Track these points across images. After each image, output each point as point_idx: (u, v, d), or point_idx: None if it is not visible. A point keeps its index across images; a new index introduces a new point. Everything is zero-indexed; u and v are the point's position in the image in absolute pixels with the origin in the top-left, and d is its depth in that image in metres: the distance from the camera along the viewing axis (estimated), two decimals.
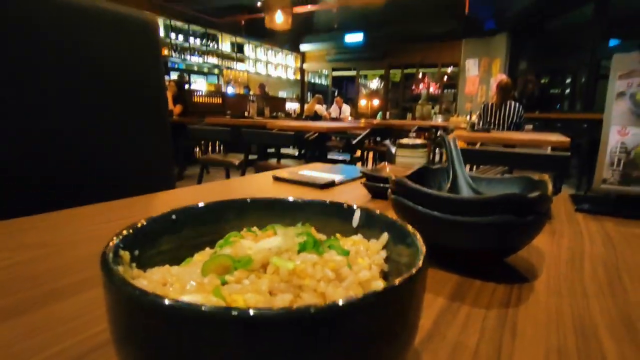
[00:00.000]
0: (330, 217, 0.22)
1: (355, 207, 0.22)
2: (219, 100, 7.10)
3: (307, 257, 0.15)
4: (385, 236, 0.19)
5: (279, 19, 5.99)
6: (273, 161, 3.19)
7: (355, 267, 0.16)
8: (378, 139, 4.91)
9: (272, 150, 4.30)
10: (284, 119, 6.00)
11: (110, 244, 0.15)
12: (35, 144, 0.81)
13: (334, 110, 7.73)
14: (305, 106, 8.31)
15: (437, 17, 8.67)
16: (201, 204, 0.21)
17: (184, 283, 0.14)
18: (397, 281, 0.12)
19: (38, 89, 0.82)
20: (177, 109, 5.09)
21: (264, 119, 5.00)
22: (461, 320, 0.25)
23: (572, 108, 6.73)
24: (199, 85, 9.29)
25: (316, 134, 3.50)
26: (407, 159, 0.65)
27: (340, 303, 0.10)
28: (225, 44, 9.52)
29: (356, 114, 10.56)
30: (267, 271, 0.14)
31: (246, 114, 5.35)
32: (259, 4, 8.97)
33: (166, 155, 1.22)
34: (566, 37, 7.65)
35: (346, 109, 7.80)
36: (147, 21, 1.08)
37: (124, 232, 0.16)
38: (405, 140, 0.66)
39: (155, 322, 0.10)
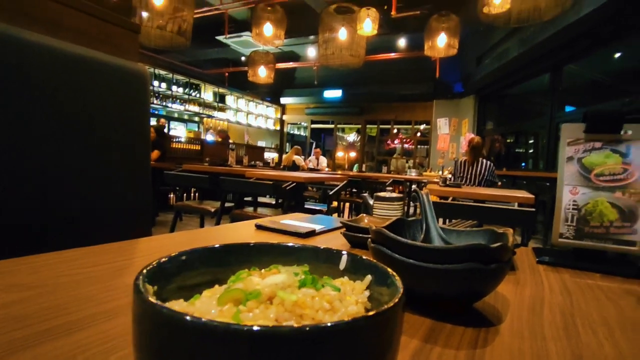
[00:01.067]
0: (321, 260, 0.25)
1: (343, 252, 0.25)
2: (197, 147, 7.14)
3: (306, 291, 0.18)
4: (368, 278, 0.22)
5: (262, 74, 6.26)
6: (250, 209, 3.18)
7: (344, 302, 0.18)
8: (354, 190, 5.02)
9: (249, 198, 4.30)
10: (262, 168, 6.07)
11: (140, 276, 0.17)
12: (17, 186, 0.81)
13: (312, 161, 7.90)
14: (284, 156, 8.46)
15: (410, 79, 9.32)
16: (209, 247, 0.23)
17: (203, 312, 0.16)
18: (378, 310, 0.15)
19: (26, 131, 0.83)
20: (155, 154, 5.08)
21: (242, 167, 5.05)
22: None
23: (536, 167, 7.14)
24: (179, 131, 9.36)
25: (294, 184, 3.54)
26: (383, 211, 0.69)
27: (329, 324, 0.13)
28: (207, 94, 9.78)
29: (333, 165, 10.81)
30: (274, 302, 0.17)
31: (226, 162, 5.40)
32: (243, 58, 9.40)
33: (146, 202, 1.22)
34: (527, 102, 8.33)
35: (323, 160, 7.99)
36: (139, 72, 1.13)
37: (149, 267, 0.19)
38: (382, 194, 0.71)
39: (193, 340, 0.13)
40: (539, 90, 6.93)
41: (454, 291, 0.34)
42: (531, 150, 8.09)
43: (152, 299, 0.14)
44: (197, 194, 5.37)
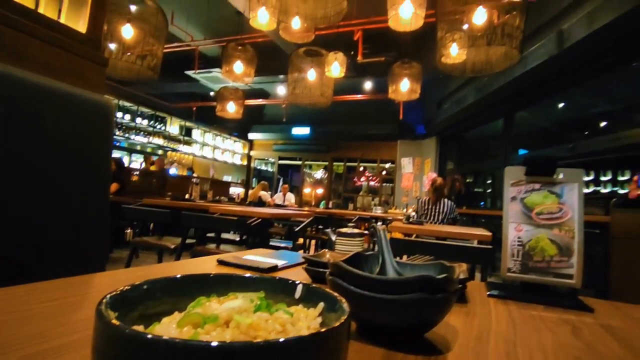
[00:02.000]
0: (277, 290, 0.26)
1: (297, 282, 0.27)
2: (159, 181, 6.95)
3: (261, 315, 0.19)
4: (321, 305, 0.24)
5: (231, 109, 6.31)
6: (212, 246, 3.10)
7: (297, 326, 0.20)
8: (320, 227, 5.02)
9: (211, 234, 4.19)
10: (227, 203, 5.97)
11: (103, 301, 0.18)
12: None
13: (278, 197, 7.87)
14: (250, 192, 8.39)
15: (376, 120, 9.72)
16: (171, 277, 0.24)
17: (164, 335, 0.17)
18: (323, 329, 0.17)
19: None
20: (113, 187, 4.89)
21: (206, 202, 4.95)
22: None
23: (494, 206, 7.48)
24: (140, 164, 9.11)
25: (259, 220, 3.51)
26: (345, 247, 0.71)
27: (280, 339, 0.15)
28: (173, 127, 9.66)
29: (300, 202, 10.81)
30: (230, 325, 0.18)
31: (187, 196, 5.27)
32: (212, 93, 9.47)
33: (102, 236, 1.17)
34: (484, 145, 8.86)
35: (290, 196, 7.98)
36: (104, 105, 1.13)
37: (112, 294, 0.19)
38: (344, 230, 0.73)
39: (155, 357, 0.13)
40: (494, 134, 7.40)
41: (404, 321, 0.35)
42: (489, 190, 8.50)
43: (115, 321, 0.15)
44: (156, 230, 5.14)
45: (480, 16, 3.35)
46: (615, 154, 4.96)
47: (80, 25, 1.11)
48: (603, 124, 6.99)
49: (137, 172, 6.65)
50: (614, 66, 4.42)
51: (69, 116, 1.03)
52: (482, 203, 8.49)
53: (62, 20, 1.09)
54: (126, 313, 0.19)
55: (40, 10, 1.02)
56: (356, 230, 0.71)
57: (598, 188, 7.71)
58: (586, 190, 7.92)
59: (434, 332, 0.40)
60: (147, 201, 4.17)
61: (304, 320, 0.21)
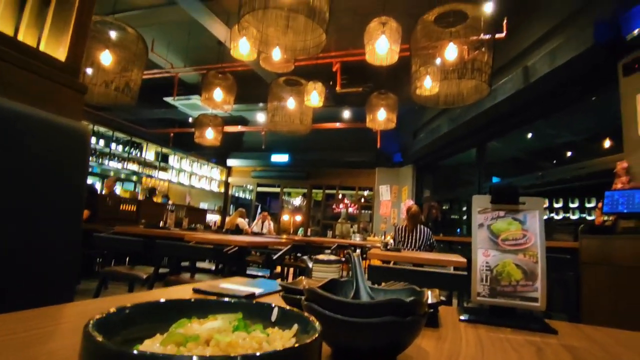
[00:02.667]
0: (254, 313, 0.27)
1: (273, 305, 0.28)
2: (133, 208, 6.76)
3: (239, 334, 0.20)
4: (295, 327, 0.25)
5: (209, 136, 6.30)
6: (186, 275, 3.01)
7: (272, 345, 0.21)
8: (299, 255, 4.97)
9: (186, 263, 4.07)
10: (203, 231, 5.86)
11: (90, 323, 0.18)
12: None
13: (256, 225, 7.77)
14: (227, 219, 8.26)
15: (354, 147, 9.89)
16: (154, 301, 0.25)
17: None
18: (296, 345, 0.18)
19: None
20: (84, 214, 4.71)
21: (181, 230, 4.84)
22: None
23: (469, 232, 7.62)
24: (115, 191, 8.86)
25: (236, 248, 3.45)
26: (322, 274, 0.72)
27: (257, 353, 0.16)
28: (149, 153, 9.51)
29: (278, 229, 10.71)
30: (210, 344, 0.19)
31: (161, 224, 5.14)
32: (190, 119, 9.45)
33: (73, 265, 1.14)
34: (459, 173, 9.13)
35: (269, 224, 7.91)
36: (81, 131, 1.12)
37: (97, 317, 0.20)
38: (321, 257, 0.74)
39: None
40: (468, 162, 7.65)
41: (377, 343, 0.37)
42: (465, 217, 8.69)
43: (103, 340, 0.16)
44: (127, 259, 4.93)
45: (451, 52, 3.53)
46: (582, 182, 5.21)
47: (60, 52, 1.12)
48: (569, 153, 7.36)
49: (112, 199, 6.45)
50: (575, 100, 4.71)
51: (45, 142, 1.03)
52: (458, 230, 8.64)
53: (42, 48, 1.10)
54: (109, 338, 0.20)
55: (20, 37, 1.03)
56: (333, 257, 0.73)
57: (567, 215, 8.02)
58: (557, 217, 8.23)
59: (406, 355, 0.41)
60: (119, 229, 4.04)
61: (279, 340, 0.22)
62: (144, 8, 4.78)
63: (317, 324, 0.23)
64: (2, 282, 0.82)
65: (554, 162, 7.39)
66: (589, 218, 5.79)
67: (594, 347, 0.51)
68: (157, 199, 7.45)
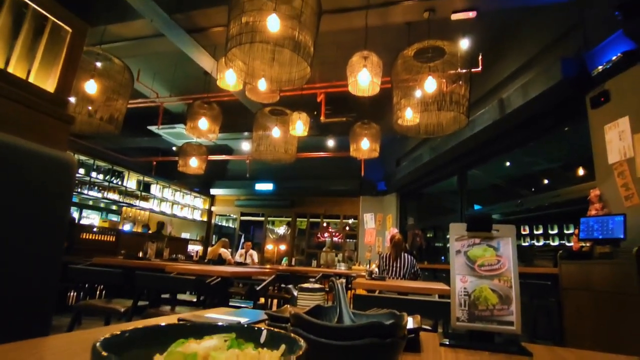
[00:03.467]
0: (245, 335, 0.29)
1: (263, 328, 0.30)
2: (112, 239, 6.59)
3: (233, 351, 0.22)
4: (283, 347, 0.27)
5: (194, 164, 6.28)
6: (167, 308, 2.92)
7: None
8: (283, 285, 4.88)
9: (166, 295, 3.95)
10: (184, 261, 5.73)
11: (97, 343, 0.20)
12: None
13: (240, 255, 7.64)
14: (210, 249, 8.10)
15: (338, 176, 9.99)
16: (153, 325, 0.26)
17: None
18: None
19: None
20: None
21: (162, 260, 4.73)
22: None
23: None
24: (92, 220, 8.64)
25: (219, 279, 3.38)
26: (307, 302, 0.73)
27: None
28: (131, 182, 9.37)
29: (262, 259, 10.53)
30: None
31: (140, 254, 5.02)
32: (173, 148, 9.41)
33: (51, 297, 1.12)
34: (441, 200, 9.27)
35: (254, 254, 7.79)
36: (66, 161, 1.13)
37: (102, 339, 0.21)
38: (305, 285, 0.76)
39: None
40: (450, 190, 7.81)
41: None
42: (449, 245, 8.73)
43: (115, 358, 0.18)
44: (104, 292, 4.71)
45: (430, 85, 3.69)
46: (560, 209, 5.36)
47: (49, 84, 1.15)
48: (546, 181, 7.60)
49: (90, 230, 6.28)
50: (549, 130, 4.93)
51: (29, 172, 1.03)
52: (442, 258, 8.68)
53: (32, 80, 1.12)
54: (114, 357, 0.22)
55: (10, 69, 1.05)
56: (317, 285, 0.74)
57: (548, 241, 8.18)
58: (538, 244, 8.37)
59: None
60: (97, 260, 3.92)
61: (268, 358, 0.24)
62: (132, 39, 4.86)
63: (301, 341, 0.25)
64: None
65: (532, 189, 7.60)
66: (568, 244, 5.92)
67: None
68: (165, 232, 7.24)
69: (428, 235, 9.02)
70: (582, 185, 4.36)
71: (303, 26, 2.94)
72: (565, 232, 6.74)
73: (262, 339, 0.29)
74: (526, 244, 8.62)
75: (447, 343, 0.64)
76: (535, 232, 8.68)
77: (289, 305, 0.75)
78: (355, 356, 0.37)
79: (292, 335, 0.27)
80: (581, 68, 3.99)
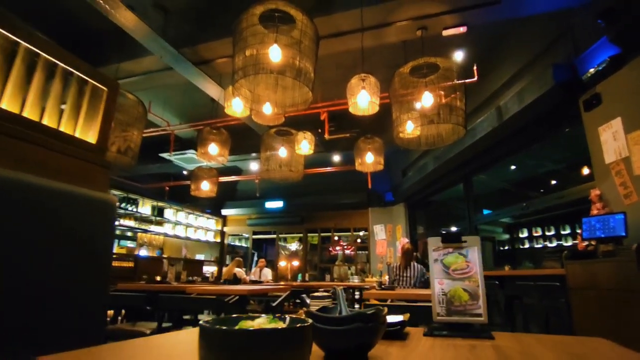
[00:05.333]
0: (277, 319, 0.46)
1: (286, 316, 0.47)
2: (130, 265, 6.80)
3: (271, 322, 0.40)
4: (298, 324, 0.44)
5: (205, 187, 6.50)
6: (190, 329, 3.08)
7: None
8: (298, 301, 5.01)
9: (187, 317, 4.12)
10: (201, 282, 5.90)
11: (204, 323, 0.38)
12: None
13: (254, 273, 7.77)
14: (224, 269, 8.25)
15: (346, 189, 10.14)
16: (227, 316, 0.44)
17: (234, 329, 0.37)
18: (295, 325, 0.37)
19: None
20: None
21: (180, 283, 4.90)
22: None
23: None
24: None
25: (237, 297, 3.54)
26: (317, 306, 0.90)
27: (279, 327, 0.35)
28: (145, 208, 9.63)
29: (276, 276, 10.64)
30: (258, 324, 0.38)
31: (158, 278, 5.20)
32: (184, 172, 9.68)
33: (103, 315, 1.30)
34: (449, 208, 9.35)
35: (267, 272, 7.90)
36: (108, 201, 1.32)
37: (204, 321, 0.39)
38: (316, 294, 0.93)
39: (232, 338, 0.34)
40: (458, 196, 7.91)
41: (350, 343, 0.55)
42: None
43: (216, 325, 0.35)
44: (125, 316, 4.87)
45: (427, 99, 3.86)
46: (567, 209, 5.44)
47: (91, 136, 1.36)
48: (553, 182, 7.66)
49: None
50: (548, 133, 5.06)
51: (81, 211, 1.23)
52: None
53: (78, 134, 1.33)
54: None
55: (62, 128, 1.27)
56: (325, 293, 0.91)
57: (560, 242, 8.17)
58: (550, 245, 8.36)
59: (376, 356, 0.59)
60: (120, 286, 4.12)
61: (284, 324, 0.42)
62: (143, 74, 5.16)
63: (310, 320, 0.42)
64: (52, 331, 0.98)
65: (541, 190, 7.65)
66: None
67: (516, 345, 0.69)
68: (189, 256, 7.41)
69: None
70: (584, 186, 4.46)
71: (303, 54, 3.13)
72: (578, 231, 6.76)
73: (287, 321, 0.46)
74: (539, 245, 8.62)
75: (429, 333, 0.80)
76: (547, 234, 8.68)
77: (302, 311, 0.92)
78: (347, 337, 0.54)
79: (303, 317, 0.44)
80: (572, 73, 4.14)
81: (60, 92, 1.26)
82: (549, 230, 8.45)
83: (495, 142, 5.68)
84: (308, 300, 0.92)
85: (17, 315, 0.97)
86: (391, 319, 0.77)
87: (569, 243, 7.74)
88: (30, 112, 1.17)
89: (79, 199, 1.22)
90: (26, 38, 1.14)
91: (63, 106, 1.27)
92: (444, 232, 0.85)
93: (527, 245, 8.98)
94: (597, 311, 3.22)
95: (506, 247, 9.79)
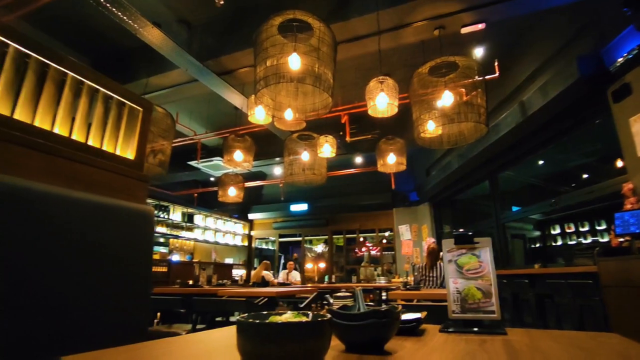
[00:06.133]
0: (302, 314, 0.54)
1: (309, 312, 0.54)
2: (164, 269, 7.08)
3: (296, 316, 0.47)
4: (315, 314, 0.52)
5: (232, 193, 6.69)
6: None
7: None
8: (325, 302, 5.07)
9: (219, 318, 4.27)
10: (231, 285, 6.07)
11: (240, 319, 0.46)
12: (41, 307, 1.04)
13: (282, 276, 7.91)
14: (253, 272, 8.44)
15: (370, 190, 10.15)
16: (259, 312, 0.52)
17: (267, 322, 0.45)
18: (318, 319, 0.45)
19: (47, 266, 1.09)
20: None
21: (211, 287, 5.08)
22: None
23: (497, 265, 7.55)
24: None
25: (266, 299, 3.65)
26: (338, 306, 0.97)
27: (304, 320, 0.43)
28: (176, 214, 9.98)
29: (303, 278, 10.74)
30: (286, 319, 0.46)
31: (190, 282, 5.40)
32: (212, 178, 9.97)
33: (146, 313, 1.42)
34: (476, 205, 9.19)
35: (295, 274, 8.02)
36: (147, 212, 1.44)
37: (243, 316, 0.47)
38: (338, 294, 1.00)
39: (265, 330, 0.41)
40: (484, 194, 7.77)
41: (367, 337, 0.62)
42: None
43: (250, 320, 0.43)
44: (161, 319, 5.11)
45: (447, 98, 3.85)
46: (603, 203, 5.25)
47: (130, 153, 1.48)
48: (585, 175, 7.41)
49: None
50: (574, 127, 4.92)
51: (124, 222, 1.35)
52: None
53: (118, 152, 1.45)
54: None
55: (104, 147, 1.39)
56: (347, 294, 0.98)
57: (596, 238, 7.88)
58: (585, 241, 8.07)
59: (393, 349, 0.65)
60: (156, 290, 4.32)
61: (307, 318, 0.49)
62: (170, 87, 5.40)
63: (328, 316, 0.49)
64: (101, 333, 1.10)
65: (573, 185, 7.41)
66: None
67: (525, 339, 0.73)
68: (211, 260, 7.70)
69: None
70: (617, 179, 4.32)
71: (321, 61, 3.20)
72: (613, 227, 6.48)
73: (309, 316, 0.53)
74: (573, 242, 8.33)
75: (445, 329, 0.86)
76: (581, 230, 8.38)
77: (326, 308, 0.99)
78: (363, 331, 0.61)
79: (323, 313, 0.52)
80: (599, 64, 4.03)
81: (103, 114, 1.38)
82: (583, 226, 8.16)
83: (520, 138, 5.57)
84: (331, 300, 0.99)
85: (70, 318, 1.08)
86: (408, 316, 0.83)
87: (606, 239, 7.45)
88: (78, 134, 1.29)
89: (122, 211, 1.34)
90: (73, 68, 1.27)
91: (91, 120, 1.39)
92: (456, 234, 0.90)
93: (559, 242, 8.70)
94: (633, 309, 3.12)
95: (537, 245, 9.51)
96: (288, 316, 0.48)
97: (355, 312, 0.63)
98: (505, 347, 0.67)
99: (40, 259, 1.01)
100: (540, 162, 7.54)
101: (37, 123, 1.17)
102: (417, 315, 0.85)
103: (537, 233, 9.36)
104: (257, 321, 0.44)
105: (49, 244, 1.04)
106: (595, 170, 7.05)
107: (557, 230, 8.53)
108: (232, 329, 0.52)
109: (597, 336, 0.76)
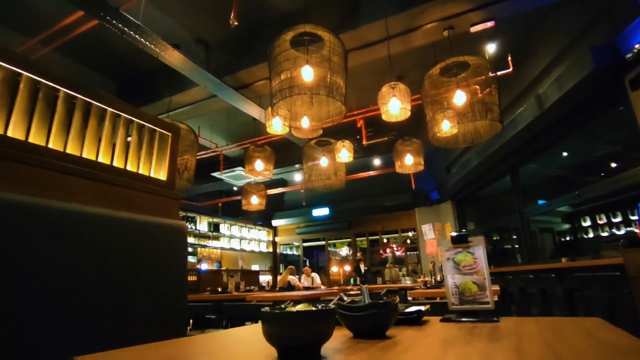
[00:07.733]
0: (313, 305, 0.67)
1: (320, 305, 0.67)
2: (194, 278, 7.34)
3: (308, 307, 0.60)
4: (322, 306, 0.65)
5: (255, 202, 6.90)
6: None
7: None
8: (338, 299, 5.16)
9: (248, 323, 4.44)
10: (258, 291, 6.25)
11: (263, 310, 0.59)
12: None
13: (305, 280, 8.05)
14: (279, 277, 8.62)
15: (391, 191, 10.17)
16: (277, 306, 0.65)
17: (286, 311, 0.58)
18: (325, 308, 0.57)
19: (85, 282, 1.25)
20: None
21: (240, 293, 5.27)
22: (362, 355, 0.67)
23: (524, 261, 7.44)
24: None
25: (291, 303, 3.77)
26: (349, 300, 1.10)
27: (313, 309, 0.56)
28: (202, 224, 10.31)
29: (328, 281, 10.86)
30: (300, 308, 0.59)
31: (219, 289, 5.61)
32: (235, 188, 10.26)
33: (184, 316, 1.58)
34: (499, 201, 9.06)
35: (316, 277, 8.14)
36: (180, 228, 1.61)
37: (266, 309, 0.61)
38: (350, 292, 1.12)
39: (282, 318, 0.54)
40: (507, 189, 7.68)
41: (369, 325, 0.74)
42: (517, 245, 8.44)
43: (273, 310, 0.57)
44: (194, 325, 5.35)
45: (459, 98, 3.90)
46: (630, 193, 5.13)
47: (162, 174, 1.66)
48: (613, 164, 7.22)
49: None
50: (593, 117, 4.86)
51: (160, 237, 1.51)
52: (518, 259, 8.36)
53: (152, 174, 1.63)
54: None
55: (140, 171, 1.57)
56: (357, 292, 1.10)
57: (630, 228, 7.63)
58: (618, 232, 7.84)
59: (393, 334, 0.77)
60: (191, 297, 4.55)
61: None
62: (192, 104, 5.67)
63: (332, 306, 0.62)
64: (142, 339, 1.26)
65: (602, 174, 7.23)
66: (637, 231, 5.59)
67: (513, 325, 0.83)
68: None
69: (494, 238, 8.78)
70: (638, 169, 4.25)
71: (333, 71, 3.33)
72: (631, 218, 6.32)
73: (318, 307, 0.66)
74: (605, 233, 8.08)
75: (444, 319, 0.96)
76: (614, 220, 8.12)
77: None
78: (365, 320, 0.73)
79: (330, 304, 0.64)
80: (613, 53, 4.00)
81: (137, 142, 1.56)
82: (615, 217, 7.92)
83: (539, 131, 5.53)
84: (345, 298, 1.12)
85: (119, 326, 1.25)
86: (412, 309, 0.95)
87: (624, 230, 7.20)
88: (118, 161, 1.48)
89: (158, 227, 1.51)
90: (110, 104, 1.45)
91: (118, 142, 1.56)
92: (453, 234, 1.01)
93: (591, 235, 8.46)
94: None
95: (567, 238, 9.27)
96: (300, 307, 0.61)
97: (359, 305, 0.75)
98: (491, 331, 0.77)
99: (90, 272, 1.18)
100: (565, 154, 7.39)
101: (85, 154, 1.35)
102: (421, 307, 0.96)
103: (567, 226, 9.12)
104: (276, 311, 0.57)
105: (98, 260, 1.22)
106: (623, 158, 6.87)
107: (588, 222, 8.30)
108: (258, 325, 0.65)
109: (581, 321, 0.86)
